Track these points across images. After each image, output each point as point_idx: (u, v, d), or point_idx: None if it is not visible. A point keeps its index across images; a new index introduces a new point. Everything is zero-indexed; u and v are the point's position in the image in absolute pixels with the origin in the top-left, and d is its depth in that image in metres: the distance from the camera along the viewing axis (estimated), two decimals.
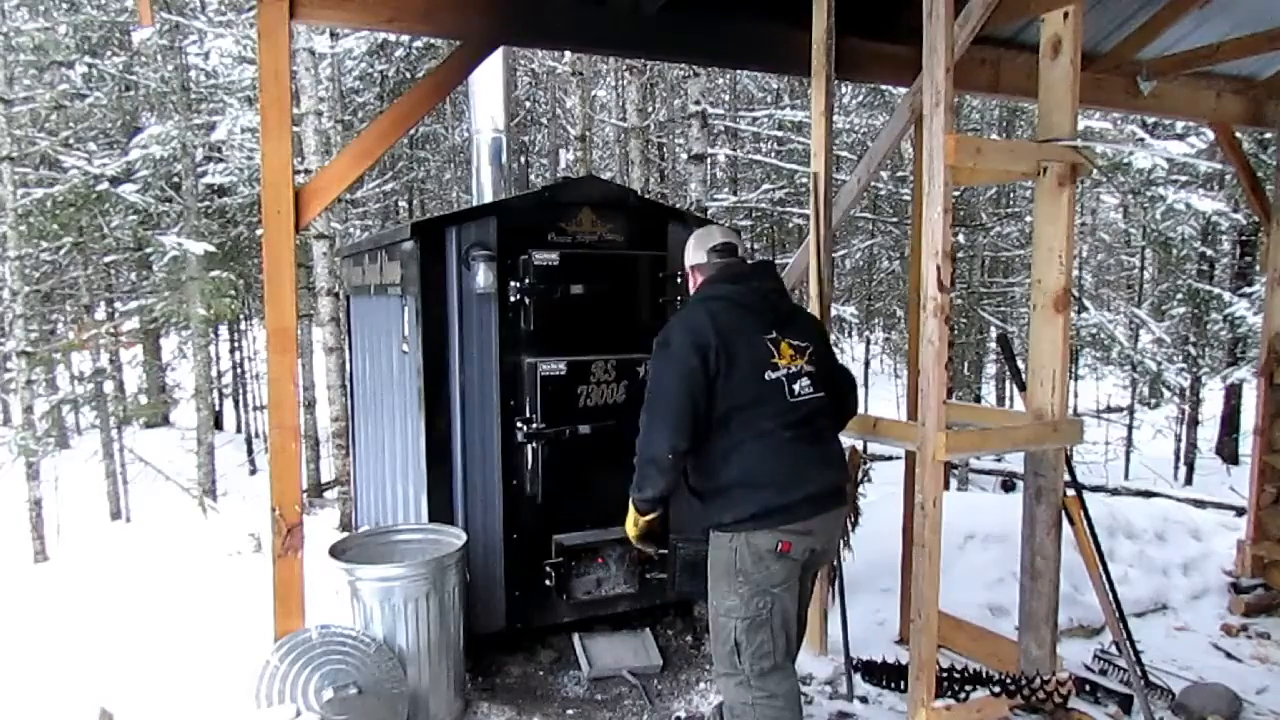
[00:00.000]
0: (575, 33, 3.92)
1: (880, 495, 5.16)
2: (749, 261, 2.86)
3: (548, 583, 3.88)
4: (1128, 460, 12.49)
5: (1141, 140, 9.85)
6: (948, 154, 2.85)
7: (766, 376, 2.57)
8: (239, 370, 15.48)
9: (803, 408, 2.61)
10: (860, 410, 3.09)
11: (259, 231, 7.38)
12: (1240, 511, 6.24)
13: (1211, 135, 7.03)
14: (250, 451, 13.80)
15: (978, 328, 12.74)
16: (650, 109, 14.27)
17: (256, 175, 9.36)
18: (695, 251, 2.84)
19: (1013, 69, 4.46)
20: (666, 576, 3.63)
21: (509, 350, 3.84)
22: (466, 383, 3.81)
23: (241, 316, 14.33)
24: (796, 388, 2.61)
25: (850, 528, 3.96)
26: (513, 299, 3.81)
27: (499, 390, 3.85)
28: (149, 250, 10.02)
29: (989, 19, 3.31)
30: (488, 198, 4.74)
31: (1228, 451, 12.17)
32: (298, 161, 7.49)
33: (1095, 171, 8.20)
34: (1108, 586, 3.46)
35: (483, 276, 3.76)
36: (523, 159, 15.73)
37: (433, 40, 10.96)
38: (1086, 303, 11.56)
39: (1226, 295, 11.10)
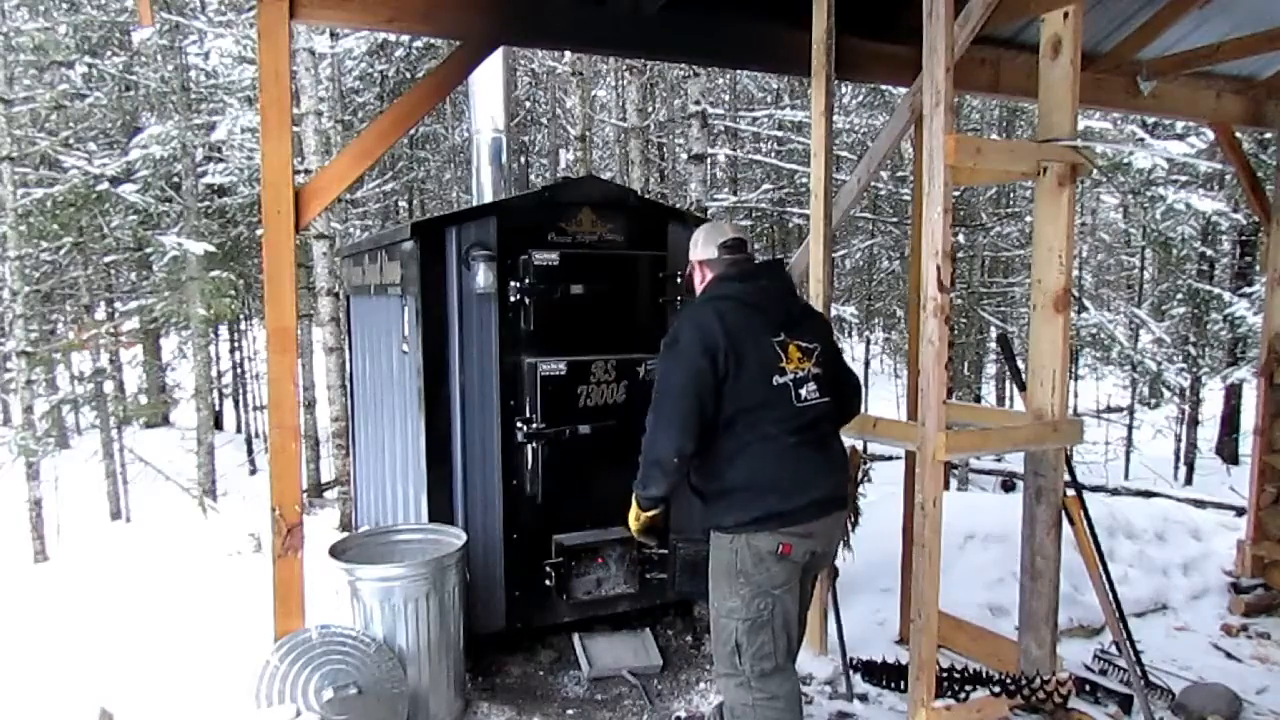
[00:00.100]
0: (575, 33, 3.92)
1: (880, 495, 5.16)
2: (757, 260, 2.82)
3: (548, 583, 3.88)
4: (1128, 460, 12.49)
5: (1141, 140, 9.85)
6: (948, 154, 2.85)
7: (774, 381, 2.55)
8: (239, 370, 15.48)
9: (808, 413, 2.59)
10: (860, 410, 3.09)
11: (259, 231, 7.38)
12: (1240, 511, 6.24)
13: (1211, 135, 7.03)
14: (250, 451, 13.81)
15: (978, 328, 12.74)
16: (650, 109, 14.27)
17: (256, 175, 9.36)
18: (704, 246, 2.78)
19: (1013, 69, 4.46)
20: (666, 576, 3.64)
21: (509, 350, 3.84)
22: (466, 383, 3.81)
23: (241, 316, 14.34)
24: (803, 392, 2.59)
25: (850, 528, 3.96)
26: (513, 299, 3.81)
27: (499, 390, 3.85)
28: (149, 250, 10.02)
29: (989, 19, 3.31)
30: (488, 198, 4.74)
31: (1228, 451, 12.17)
32: (298, 161, 7.49)
33: (1095, 171, 8.20)
34: (1108, 586, 3.46)
35: (483, 276, 3.76)
36: (523, 159, 15.73)
37: (433, 40, 10.97)
38: (1086, 303, 11.56)
39: (1226, 295, 11.10)
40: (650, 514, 2.76)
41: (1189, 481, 11.45)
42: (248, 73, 10.65)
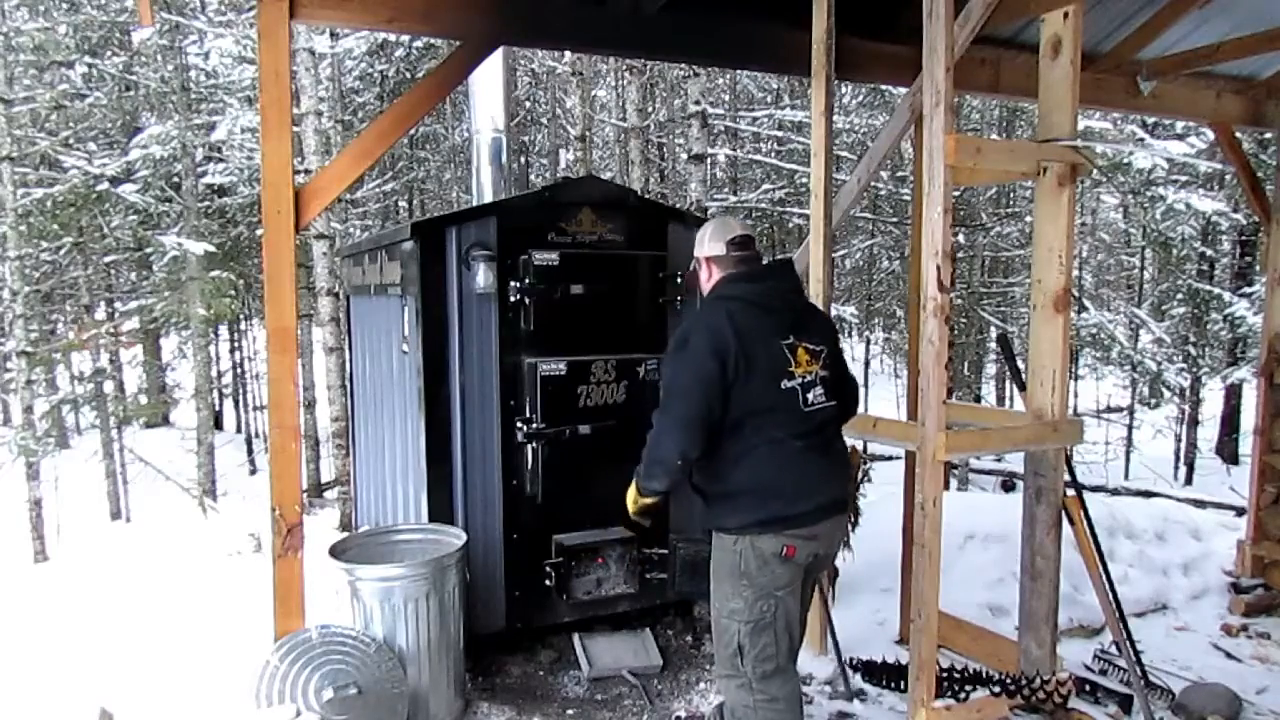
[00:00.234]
0: (575, 33, 3.92)
1: (880, 495, 5.16)
2: (765, 259, 2.79)
3: (548, 583, 3.88)
4: (1128, 460, 12.49)
5: (1141, 140, 9.85)
6: (948, 154, 2.85)
7: (783, 385, 2.53)
8: (239, 370, 15.48)
9: (815, 418, 2.58)
10: (860, 410, 3.09)
11: (259, 231, 7.39)
12: (1240, 511, 6.24)
13: (1211, 135, 7.03)
14: (250, 451, 13.81)
15: (978, 328, 12.74)
16: (650, 109, 14.27)
17: (256, 175, 9.36)
18: (712, 243, 2.71)
19: (1013, 69, 4.46)
20: (666, 576, 3.64)
21: (509, 350, 3.84)
22: (466, 383, 3.81)
23: (241, 316, 14.34)
24: (810, 396, 2.58)
25: (850, 528, 3.96)
26: (513, 299, 3.81)
27: (499, 390, 3.85)
28: (149, 250, 10.02)
29: (989, 19, 3.30)
30: (488, 198, 4.74)
31: (1228, 451, 12.17)
32: (298, 161, 7.49)
33: (1095, 171, 8.20)
34: (1108, 586, 3.46)
35: (483, 276, 3.76)
36: (523, 159, 15.74)
37: (433, 40, 10.96)
38: (1086, 303, 11.56)
39: (1226, 295, 11.10)
40: (648, 501, 2.74)
41: (1189, 481, 11.45)
42: (248, 73, 10.65)
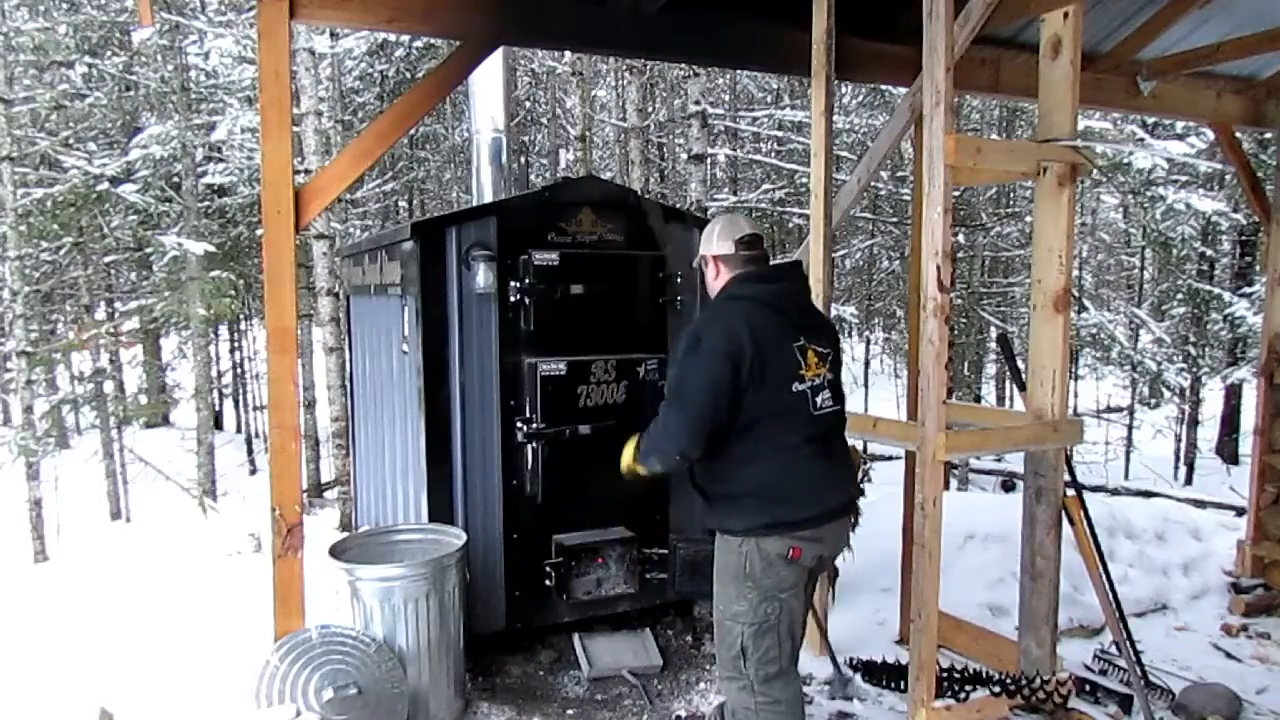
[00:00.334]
0: (575, 33, 3.92)
1: (880, 495, 5.16)
2: (772, 259, 2.76)
3: (548, 583, 3.88)
4: (1128, 460, 12.49)
5: (1141, 140, 9.85)
6: (948, 154, 2.85)
7: (794, 388, 2.52)
8: (239, 370, 15.48)
9: (823, 422, 2.58)
10: (860, 410, 3.09)
11: (259, 231, 7.39)
12: (1240, 511, 6.24)
13: (1211, 135, 7.03)
14: (250, 451, 13.80)
15: (978, 328, 12.74)
16: (650, 109, 14.27)
17: (256, 175, 9.36)
18: (720, 241, 2.67)
19: (1013, 69, 4.46)
20: (666, 576, 3.64)
21: (509, 350, 3.84)
22: (466, 383, 3.81)
23: (241, 316, 14.34)
24: (819, 400, 2.56)
25: (850, 528, 3.96)
26: (513, 299, 3.81)
27: (499, 390, 3.85)
28: (149, 250, 10.02)
29: (989, 19, 3.30)
30: (488, 198, 4.74)
31: (1228, 451, 12.17)
32: (298, 161, 7.49)
33: (1095, 171, 8.20)
34: (1108, 586, 3.46)
35: (483, 276, 3.76)
36: (523, 159, 15.74)
37: (433, 40, 10.97)
38: (1086, 303, 11.56)
39: (1226, 295, 11.10)
40: (641, 473, 2.71)
41: (1189, 481, 11.45)
42: (248, 73, 10.65)
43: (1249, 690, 3.67)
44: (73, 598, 4.89)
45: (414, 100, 3.58)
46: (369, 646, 3.21)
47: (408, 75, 13.19)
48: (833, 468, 2.62)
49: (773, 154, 13.45)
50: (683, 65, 10.07)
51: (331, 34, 9.87)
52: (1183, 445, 12.25)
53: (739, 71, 12.75)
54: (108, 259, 11.16)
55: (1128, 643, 3.43)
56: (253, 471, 13.19)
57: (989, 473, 10.61)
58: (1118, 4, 4.27)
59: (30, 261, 9.22)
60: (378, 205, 13.96)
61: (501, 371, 3.84)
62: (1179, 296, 12.70)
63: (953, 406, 3.96)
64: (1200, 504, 7.27)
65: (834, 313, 5.07)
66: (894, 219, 12.43)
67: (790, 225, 14.36)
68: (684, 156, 11.86)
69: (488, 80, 4.74)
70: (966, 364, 13.32)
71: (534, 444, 3.84)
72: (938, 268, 2.89)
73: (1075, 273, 11.16)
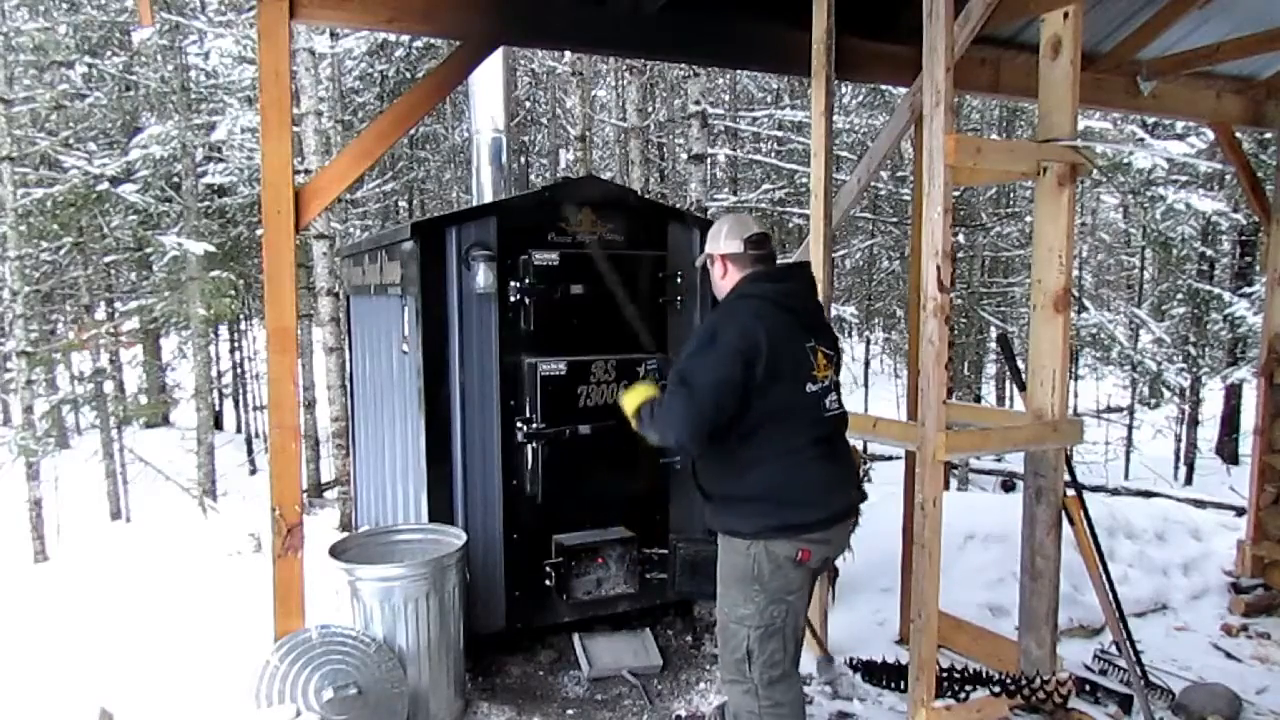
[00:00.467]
0: (575, 33, 3.92)
1: (880, 495, 5.16)
2: (779, 259, 2.76)
3: (548, 583, 3.88)
4: (1128, 460, 12.49)
5: (1141, 140, 9.85)
6: (948, 154, 2.85)
7: (808, 389, 2.51)
8: (239, 370, 15.47)
9: (830, 424, 2.58)
10: (860, 410, 3.09)
11: (259, 231, 7.39)
12: (1240, 511, 6.24)
13: (1211, 135, 7.03)
14: (250, 451, 13.80)
15: (978, 328, 12.73)
16: (650, 109, 14.27)
17: (256, 175, 9.37)
18: (728, 240, 2.63)
19: (1013, 69, 4.46)
20: (666, 576, 3.64)
21: (509, 350, 3.84)
22: (466, 383, 3.81)
23: (241, 316, 14.34)
24: (827, 402, 2.56)
25: (851, 530, 3.96)
26: (513, 299, 3.81)
27: (499, 390, 3.85)
28: (149, 250, 10.01)
29: (989, 19, 3.31)
30: (488, 198, 4.74)
31: (1228, 451, 12.17)
32: (298, 161, 7.49)
33: (1095, 171, 8.20)
34: (1108, 586, 3.46)
35: (483, 276, 3.76)
36: (523, 159, 15.74)
37: (433, 40, 10.97)
38: (1086, 303, 11.56)
39: (1226, 295, 11.10)
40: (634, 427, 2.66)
41: (1189, 481, 11.45)
42: (248, 73, 10.65)
43: (1249, 690, 3.67)
44: (73, 598, 4.89)
45: (414, 100, 3.58)
46: (369, 646, 3.21)
47: (408, 75, 13.19)
48: (839, 470, 2.62)
49: (773, 154, 13.45)
50: (683, 65, 10.08)
51: (331, 34, 9.87)
52: (1183, 445, 12.25)
53: (739, 71, 12.75)
54: (108, 259, 11.15)
55: (1128, 643, 3.43)
56: (253, 471, 13.19)
57: (989, 473, 10.61)
58: (1118, 4, 4.27)
59: (30, 261, 9.21)
60: (378, 205, 13.95)
61: (501, 371, 3.84)
62: (1179, 296, 12.70)
63: (953, 406, 3.96)
64: (1200, 504, 7.27)
65: (834, 313, 5.08)
66: (894, 219, 12.43)
67: (790, 225, 14.35)
68: (684, 156, 11.86)
69: (488, 80, 4.74)
70: (966, 364, 13.31)
71: (534, 444, 3.84)
72: (938, 268, 2.89)
73: (1075, 273, 11.17)
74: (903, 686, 3.59)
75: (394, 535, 3.77)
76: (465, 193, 12.07)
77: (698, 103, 8.44)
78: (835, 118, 7.20)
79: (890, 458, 9.70)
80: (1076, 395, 13.35)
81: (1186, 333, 12.40)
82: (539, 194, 3.99)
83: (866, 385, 15.21)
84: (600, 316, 3.96)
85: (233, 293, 9.97)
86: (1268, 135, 8.21)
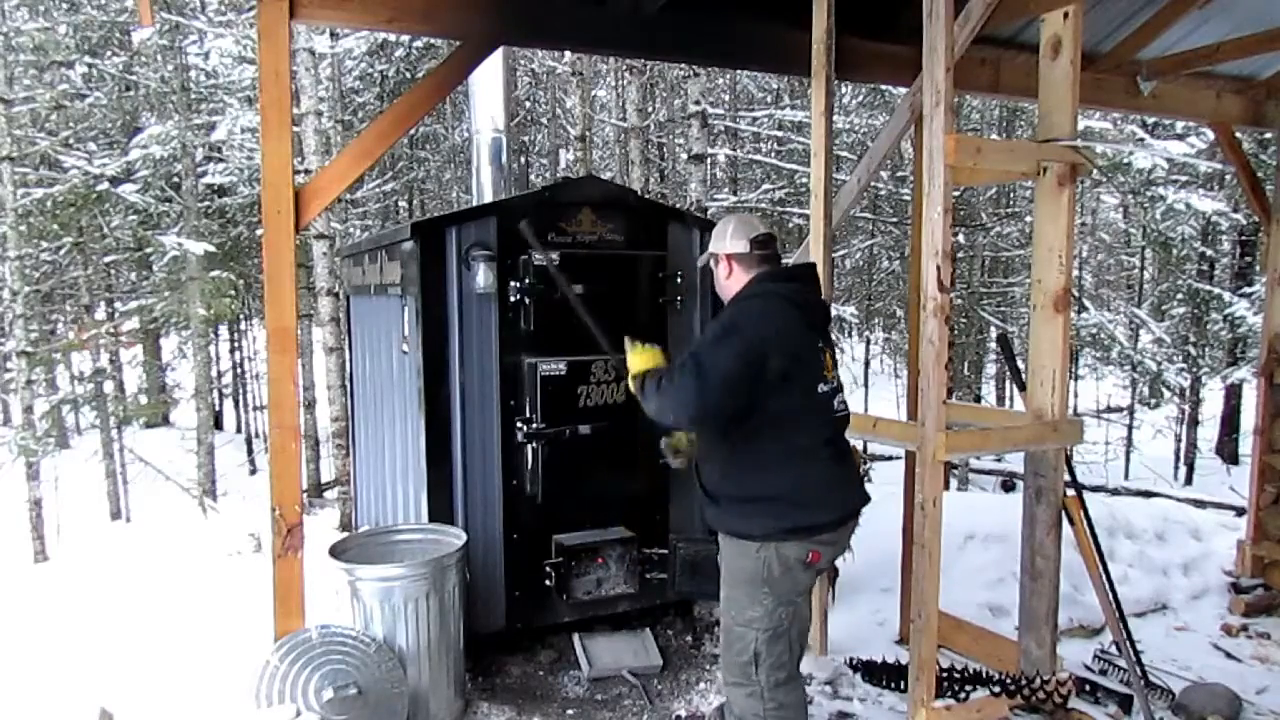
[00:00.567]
0: (575, 33, 3.92)
1: (880, 495, 5.12)
2: (785, 259, 2.75)
3: (548, 583, 3.88)
4: (1128, 460, 12.49)
5: (1141, 140, 9.85)
6: (948, 154, 2.86)
7: (820, 389, 2.51)
8: (239, 370, 15.47)
9: (837, 425, 2.58)
10: (860, 410, 3.09)
11: (259, 231, 7.39)
12: (1240, 511, 6.24)
13: (1211, 135, 7.03)
14: (250, 451, 13.80)
15: (978, 328, 12.73)
16: (650, 109, 14.27)
17: (256, 175, 9.36)
18: (734, 240, 2.61)
19: (1013, 69, 4.46)
20: (666, 576, 3.64)
21: (509, 350, 3.84)
22: (466, 383, 3.81)
23: (241, 316, 14.34)
24: (836, 403, 2.56)
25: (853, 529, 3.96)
26: (513, 299, 3.81)
27: (499, 390, 3.85)
28: (149, 250, 10.01)
29: (989, 19, 3.31)
30: (488, 198, 4.74)
31: (1228, 451, 12.17)
32: (298, 161, 7.49)
33: (1095, 171, 8.19)
34: (1108, 586, 3.46)
35: (483, 276, 3.76)
36: (523, 159, 15.74)
37: (433, 40, 10.96)
38: (1086, 303, 11.55)
39: (1226, 295, 11.10)
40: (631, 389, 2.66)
41: (1189, 481, 11.45)
42: (248, 73, 10.64)
43: (1249, 690, 3.67)
44: (73, 598, 4.89)
45: (414, 100, 3.58)
46: (369, 646, 3.21)
47: (408, 75, 13.18)
48: (845, 471, 2.62)
49: (773, 154, 13.45)
50: (683, 65, 10.07)
51: (331, 34, 9.87)
52: (1183, 445, 12.25)
53: (739, 71, 12.75)
54: (108, 259, 11.15)
55: (1128, 643, 3.43)
56: (253, 471, 13.19)
57: (989, 473, 10.61)
58: (1118, 4, 4.27)
59: (30, 261, 9.21)
60: (378, 205, 13.95)
61: (501, 371, 3.84)
62: (1179, 296, 12.70)
63: (953, 406, 3.96)
64: (1200, 504, 7.27)
65: (834, 313, 5.07)
66: (894, 219, 12.43)
67: (790, 225, 14.34)
68: (684, 156, 11.86)
69: (488, 80, 4.75)
70: (966, 364, 13.31)
71: (534, 444, 3.84)
72: (938, 268, 2.89)
73: (1075, 273, 11.17)
74: (903, 686, 3.59)
75: (394, 535, 3.77)
76: (465, 193, 12.07)
77: (698, 103, 8.44)
78: (835, 118, 7.20)
79: (890, 458, 9.70)
80: (1076, 395, 13.35)
81: (1186, 333, 12.40)
82: (539, 194, 3.99)
83: (866, 385, 15.21)
84: (600, 316, 3.95)
85: (233, 293, 9.97)
86: (1268, 135, 8.21)
